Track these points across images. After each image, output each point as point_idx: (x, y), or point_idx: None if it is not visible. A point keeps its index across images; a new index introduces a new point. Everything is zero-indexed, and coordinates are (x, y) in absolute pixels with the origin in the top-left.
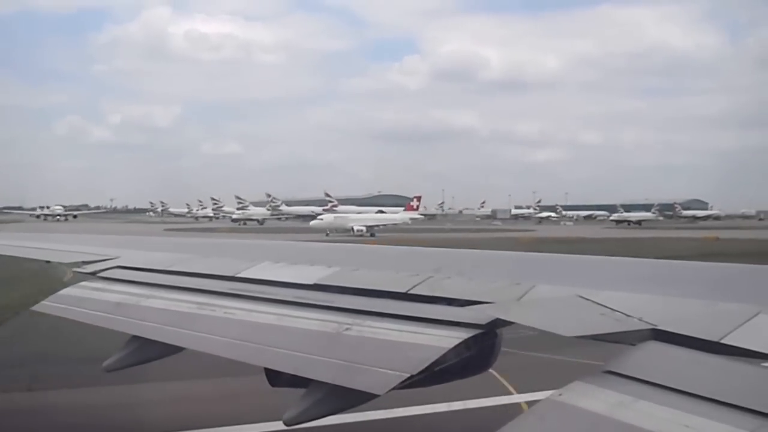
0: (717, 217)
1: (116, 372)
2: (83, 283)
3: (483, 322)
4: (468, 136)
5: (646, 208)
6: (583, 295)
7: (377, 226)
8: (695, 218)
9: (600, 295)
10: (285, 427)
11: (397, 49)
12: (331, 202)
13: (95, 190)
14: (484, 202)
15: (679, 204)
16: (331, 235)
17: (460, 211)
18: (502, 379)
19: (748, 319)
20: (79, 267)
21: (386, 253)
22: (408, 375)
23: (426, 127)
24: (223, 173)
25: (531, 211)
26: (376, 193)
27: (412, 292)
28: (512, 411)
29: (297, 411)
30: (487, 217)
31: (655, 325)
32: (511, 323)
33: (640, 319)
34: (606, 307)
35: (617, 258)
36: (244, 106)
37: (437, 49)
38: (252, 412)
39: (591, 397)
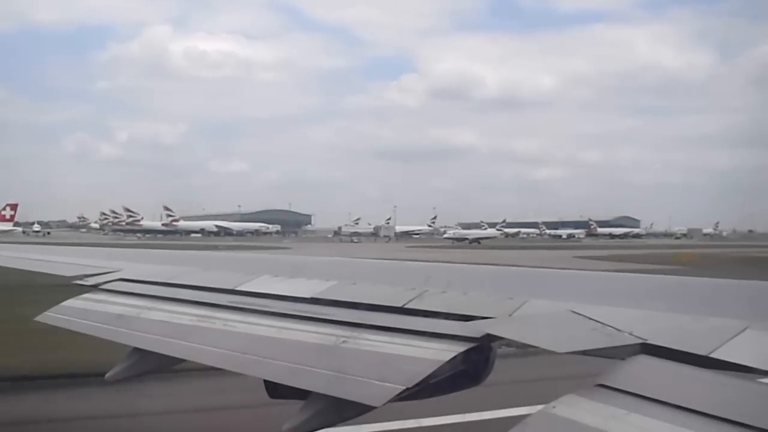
0: (637, 235)
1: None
2: (86, 295)
3: (478, 335)
4: (468, 154)
5: (579, 225)
6: (576, 310)
7: None
8: (611, 236)
9: (592, 310)
10: None
11: (395, 68)
12: (171, 216)
13: (104, 206)
14: (358, 219)
15: (609, 221)
16: None
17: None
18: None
19: (737, 334)
20: (81, 279)
21: (383, 268)
22: (404, 387)
23: (427, 145)
24: (230, 191)
25: (426, 228)
26: (264, 209)
27: (408, 306)
28: (506, 424)
29: (296, 422)
30: (355, 234)
31: (646, 340)
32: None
33: (630, 334)
34: (598, 322)
35: (610, 273)
36: (247, 124)
37: (433, 68)
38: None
39: (584, 410)
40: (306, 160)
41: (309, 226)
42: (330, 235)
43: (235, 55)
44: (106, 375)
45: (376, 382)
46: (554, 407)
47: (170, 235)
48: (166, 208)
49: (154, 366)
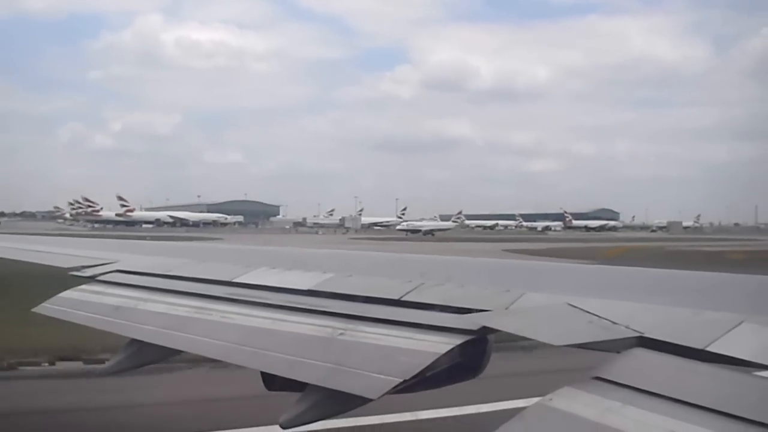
0: (613, 228)
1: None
2: (83, 287)
3: (474, 328)
4: (463, 146)
5: (558, 217)
6: (573, 303)
7: None
8: (587, 228)
9: (589, 303)
10: (281, 430)
11: (389, 59)
12: (125, 206)
13: (100, 196)
14: (332, 210)
15: (588, 213)
16: None
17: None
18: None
19: (733, 328)
20: (77, 271)
21: (380, 260)
22: (401, 380)
23: (422, 137)
24: (226, 181)
25: (395, 219)
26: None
27: (405, 298)
28: (502, 416)
29: (293, 414)
30: (316, 224)
31: (642, 333)
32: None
33: (627, 327)
34: (594, 315)
35: (607, 266)
36: (242, 114)
37: (427, 59)
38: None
39: (580, 403)
40: (301, 151)
41: (277, 217)
42: (288, 226)
43: (227, 44)
44: (103, 366)
45: (373, 375)
46: (551, 400)
47: (121, 226)
48: (120, 198)
49: (151, 358)
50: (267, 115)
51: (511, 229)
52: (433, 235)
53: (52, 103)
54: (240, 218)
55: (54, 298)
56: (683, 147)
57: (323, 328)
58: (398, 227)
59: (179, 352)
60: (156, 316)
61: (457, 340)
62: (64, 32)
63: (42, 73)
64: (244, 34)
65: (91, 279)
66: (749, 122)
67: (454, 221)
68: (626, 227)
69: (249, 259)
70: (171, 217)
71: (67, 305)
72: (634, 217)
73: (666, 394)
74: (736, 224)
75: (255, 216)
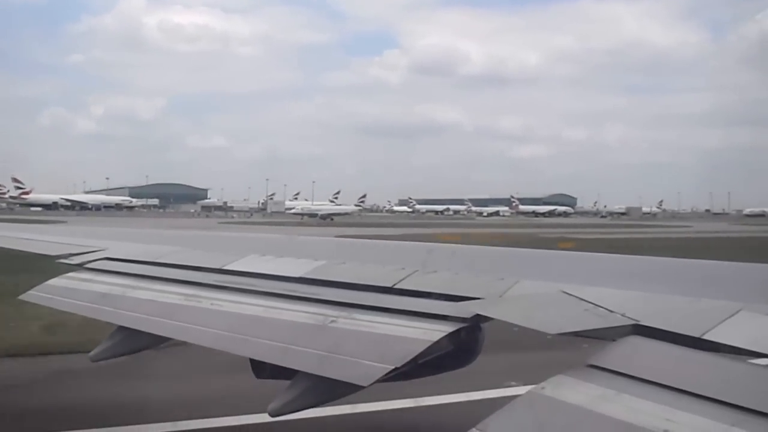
0: (564, 213)
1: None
2: (70, 274)
3: (468, 316)
4: (452, 131)
5: (504, 202)
6: (568, 291)
7: None
8: (535, 214)
9: (584, 291)
10: (269, 419)
11: (377, 43)
12: (21, 188)
13: (82, 180)
14: (273, 194)
15: (543, 198)
16: None
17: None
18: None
19: (730, 316)
20: (66, 258)
21: (373, 247)
22: (392, 367)
23: (410, 122)
24: (210, 166)
25: (328, 205)
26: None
27: (398, 286)
28: (495, 404)
29: (282, 402)
30: (230, 208)
31: (638, 321)
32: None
33: (623, 315)
34: (590, 303)
35: (602, 254)
36: (227, 99)
37: (416, 44)
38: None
39: (574, 391)
40: (287, 136)
41: (204, 201)
42: (192, 210)
43: (211, 28)
44: (90, 354)
45: (365, 362)
46: (544, 388)
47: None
48: (15, 180)
49: (139, 345)
50: (252, 100)
51: (461, 214)
52: (332, 219)
53: (33, 87)
54: (155, 201)
55: (41, 286)
56: (675, 132)
57: (315, 316)
58: (292, 211)
59: (168, 339)
60: (144, 304)
61: (449, 328)
62: (45, 15)
63: (22, 55)
64: (230, 18)
65: (79, 267)
66: (743, 108)
67: (356, 205)
68: (579, 213)
69: (239, 246)
70: (67, 200)
71: (54, 293)
72: (596, 202)
73: (661, 382)
74: (707, 210)
75: (183, 199)
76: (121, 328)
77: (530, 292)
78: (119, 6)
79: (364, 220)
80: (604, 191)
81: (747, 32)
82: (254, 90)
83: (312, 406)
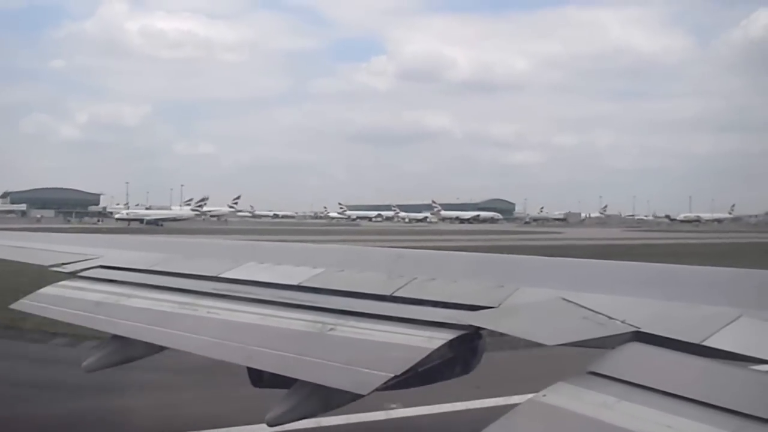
0: (491, 219)
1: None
2: (63, 282)
3: (467, 324)
4: (441, 138)
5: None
6: (567, 298)
7: None
8: (459, 220)
9: (584, 298)
10: (267, 428)
11: (364, 50)
12: None
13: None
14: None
15: (479, 203)
16: None
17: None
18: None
19: (730, 322)
20: (59, 266)
21: (371, 255)
22: (392, 376)
23: (399, 129)
24: (197, 173)
25: (226, 209)
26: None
27: (396, 294)
28: (497, 412)
29: (280, 411)
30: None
31: (638, 327)
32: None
33: (623, 322)
34: (590, 310)
35: (602, 261)
36: (213, 106)
37: (403, 50)
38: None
39: (575, 398)
40: (275, 143)
41: (94, 207)
42: (38, 216)
43: (195, 34)
44: (83, 364)
45: (363, 370)
46: (544, 395)
47: None
48: None
49: (134, 354)
50: (239, 107)
51: (379, 221)
52: (160, 225)
53: (14, 94)
54: (23, 207)
55: (33, 294)
56: (666, 138)
57: (313, 324)
58: (117, 216)
59: (163, 348)
60: (139, 312)
61: (448, 336)
62: (24, 21)
63: (1, 62)
64: (214, 24)
65: (73, 275)
66: (730, 113)
67: (193, 210)
68: (508, 219)
69: (236, 253)
70: None
71: (47, 301)
72: (542, 208)
73: (662, 389)
74: (667, 216)
75: (71, 206)
76: (116, 337)
77: (530, 300)
78: (100, 11)
79: (199, 226)
80: (597, 197)
81: (733, 38)
82: (241, 97)
83: (311, 416)
